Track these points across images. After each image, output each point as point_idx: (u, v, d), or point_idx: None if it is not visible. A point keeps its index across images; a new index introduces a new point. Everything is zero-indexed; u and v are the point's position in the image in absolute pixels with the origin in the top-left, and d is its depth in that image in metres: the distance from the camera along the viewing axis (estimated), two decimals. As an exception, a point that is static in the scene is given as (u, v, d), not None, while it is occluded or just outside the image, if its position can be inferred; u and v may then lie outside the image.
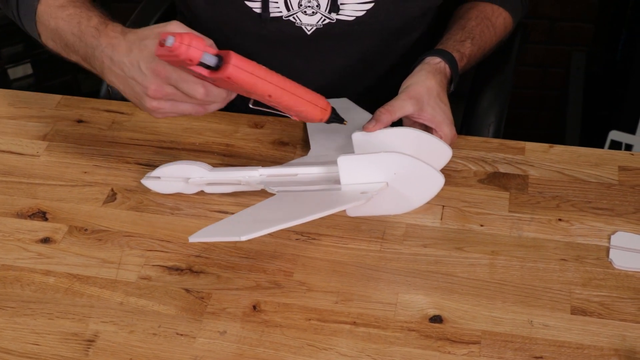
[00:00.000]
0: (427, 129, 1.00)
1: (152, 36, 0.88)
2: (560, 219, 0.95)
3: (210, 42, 0.85)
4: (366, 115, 1.03)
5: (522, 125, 2.36)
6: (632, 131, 1.91)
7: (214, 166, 0.99)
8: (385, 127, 0.96)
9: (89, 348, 0.81)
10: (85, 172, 1.03)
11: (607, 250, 0.91)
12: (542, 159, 1.04)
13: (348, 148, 0.99)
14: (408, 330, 0.83)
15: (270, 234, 0.91)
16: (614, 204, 0.97)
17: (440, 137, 0.98)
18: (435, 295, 0.86)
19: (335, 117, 0.93)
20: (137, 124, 1.11)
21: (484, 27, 1.14)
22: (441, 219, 0.95)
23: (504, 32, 1.19)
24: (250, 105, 0.89)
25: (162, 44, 0.80)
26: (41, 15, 1.01)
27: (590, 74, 2.21)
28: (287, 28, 1.10)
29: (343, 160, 0.91)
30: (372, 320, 0.84)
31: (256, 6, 1.08)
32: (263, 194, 0.95)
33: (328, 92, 0.95)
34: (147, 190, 0.99)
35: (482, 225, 0.94)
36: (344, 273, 0.89)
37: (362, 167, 0.91)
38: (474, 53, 1.11)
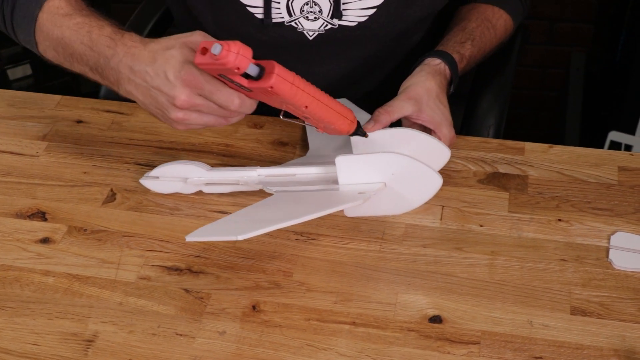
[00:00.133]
0: (426, 129, 1.00)
1: (178, 45, 0.86)
2: (559, 219, 0.95)
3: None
4: (365, 115, 1.03)
5: (521, 125, 2.36)
6: (632, 132, 1.91)
7: (213, 166, 0.99)
8: (384, 127, 0.96)
9: (88, 348, 0.81)
10: (85, 173, 1.03)
11: (607, 250, 0.91)
12: (541, 159, 1.04)
13: (346, 148, 0.99)
14: (407, 331, 0.83)
15: (269, 234, 0.91)
16: (613, 204, 0.97)
17: (439, 138, 0.98)
18: (435, 296, 0.86)
19: (359, 130, 0.92)
20: (137, 125, 1.11)
21: (485, 28, 1.13)
22: (441, 219, 0.95)
23: (505, 33, 1.18)
24: (281, 117, 0.87)
25: (204, 52, 0.78)
26: (43, 23, 0.97)
27: (590, 75, 2.21)
28: (289, 33, 1.10)
29: (341, 161, 0.91)
30: (371, 320, 0.84)
31: (258, 12, 1.08)
32: (262, 194, 0.95)
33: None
34: (146, 191, 0.99)
35: (481, 226, 0.94)
36: (344, 273, 0.89)
37: (360, 167, 0.91)
38: (474, 54, 1.11)
